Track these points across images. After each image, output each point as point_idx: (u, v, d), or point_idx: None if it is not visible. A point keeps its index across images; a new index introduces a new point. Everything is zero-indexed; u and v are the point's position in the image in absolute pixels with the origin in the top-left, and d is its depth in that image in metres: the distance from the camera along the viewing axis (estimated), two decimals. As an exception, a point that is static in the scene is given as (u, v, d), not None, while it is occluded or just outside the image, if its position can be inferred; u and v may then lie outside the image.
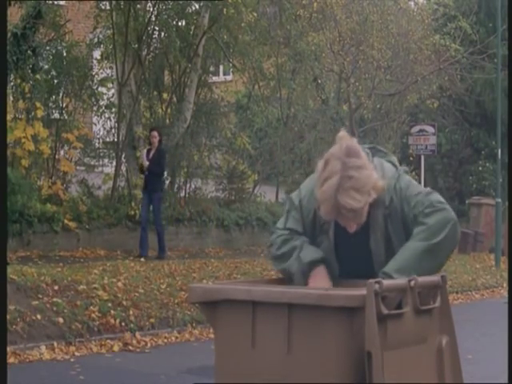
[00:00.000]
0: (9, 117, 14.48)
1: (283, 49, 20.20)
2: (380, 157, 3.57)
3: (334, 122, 22.87)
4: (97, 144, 18.40)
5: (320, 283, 3.40)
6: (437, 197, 3.42)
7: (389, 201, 3.42)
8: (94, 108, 17.93)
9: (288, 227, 3.63)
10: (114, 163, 17.14)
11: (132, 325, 10.00)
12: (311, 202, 3.52)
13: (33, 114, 15.73)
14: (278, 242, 3.64)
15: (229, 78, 24.38)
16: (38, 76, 16.22)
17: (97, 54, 18.82)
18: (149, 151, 15.14)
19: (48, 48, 16.93)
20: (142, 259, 14.16)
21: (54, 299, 9.83)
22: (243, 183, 19.55)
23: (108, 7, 17.53)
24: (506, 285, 16.17)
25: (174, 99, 18.05)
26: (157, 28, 18.01)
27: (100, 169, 18.07)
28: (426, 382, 3.19)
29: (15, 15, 16.23)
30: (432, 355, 3.22)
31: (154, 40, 18.18)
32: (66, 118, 16.80)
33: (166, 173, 17.61)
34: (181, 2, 18.05)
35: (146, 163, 14.89)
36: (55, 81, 16.85)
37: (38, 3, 16.23)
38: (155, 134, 15.22)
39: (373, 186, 3.30)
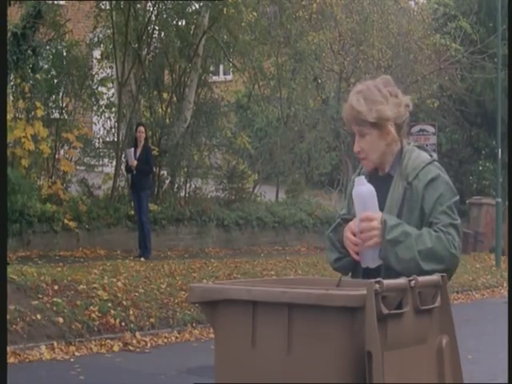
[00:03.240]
0: (9, 116, 14.48)
1: (283, 48, 20.21)
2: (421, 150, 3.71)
3: (334, 121, 22.87)
4: (97, 144, 18.40)
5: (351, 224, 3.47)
6: (455, 237, 3.45)
7: (412, 178, 3.51)
8: (94, 108, 17.94)
9: (339, 214, 3.78)
10: (114, 163, 17.14)
11: (132, 325, 10.00)
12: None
13: (33, 113, 15.74)
14: (326, 240, 3.75)
15: (229, 77, 24.38)
16: (37, 76, 16.24)
17: (97, 53, 18.83)
18: (135, 149, 14.83)
19: (48, 48, 16.94)
20: (142, 259, 14.16)
21: (54, 299, 9.83)
22: (243, 183, 19.55)
23: (108, 7, 17.53)
24: (506, 284, 16.17)
25: (174, 99, 18.04)
26: (157, 28, 18.02)
27: (100, 168, 18.07)
28: (426, 382, 3.18)
29: (15, 15, 16.23)
30: (432, 355, 3.22)
31: (154, 40, 18.18)
32: (66, 117, 16.81)
33: (166, 173, 17.65)
34: (181, 2, 18.05)
35: (135, 162, 14.58)
36: (55, 80, 16.86)
37: (37, 3, 16.24)
38: (142, 129, 14.92)
39: (378, 107, 3.51)
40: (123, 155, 17.13)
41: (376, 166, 3.60)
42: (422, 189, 3.49)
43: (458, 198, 3.55)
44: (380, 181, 3.56)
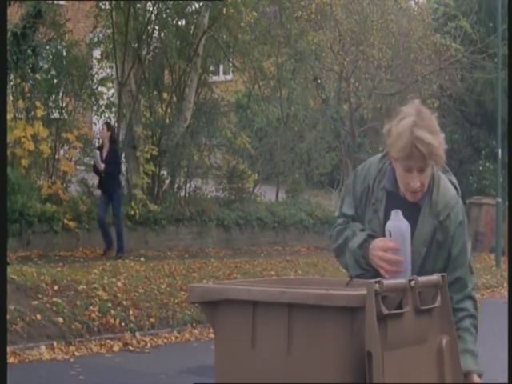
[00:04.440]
0: (9, 116, 14.48)
1: (283, 48, 20.20)
2: (441, 171, 3.60)
3: (334, 121, 22.88)
4: (97, 144, 18.39)
5: (384, 243, 3.41)
6: (472, 283, 3.54)
7: (444, 217, 3.47)
8: (94, 108, 17.93)
9: (342, 212, 3.66)
10: (114, 163, 17.12)
11: (132, 325, 10.00)
12: (366, 179, 3.57)
13: (32, 113, 15.73)
14: (334, 234, 3.66)
15: (229, 77, 24.37)
16: (37, 75, 16.23)
17: (97, 53, 18.82)
18: (101, 150, 14.53)
19: (48, 47, 16.94)
20: (143, 259, 14.15)
21: (54, 299, 9.83)
22: (243, 183, 19.54)
23: (108, 7, 17.52)
24: (506, 285, 16.16)
25: (174, 99, 18.04)
26: (157, 27, 18.01)
27: (100, 168, 18.05)
28: (426, 382, 3.18)
29: (15, 15, 16.23)
30: (432, 355, 3.22)
31: (153, 39, 18.18)
32: (66, 117, 16.80)
33: (166, 173, 17.62)
34: (181, 2, 18.05)
35: (102, 166, 14.27)
36: (55, 80, 16.85)
37: (37, 3, 16.24)
38: (105, 128, 14.59)
39: (441, 138, 3.40)
40: (123, 155, 17.11)
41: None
42: (453, 232, 3.47)
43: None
44: (404, 205, 3.45)
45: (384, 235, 3.45)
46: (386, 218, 3.48)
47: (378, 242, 3.43)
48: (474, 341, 3.49)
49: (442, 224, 3.46)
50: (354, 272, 3.54)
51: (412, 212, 3.45)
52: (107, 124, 14.83)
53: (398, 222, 3.40)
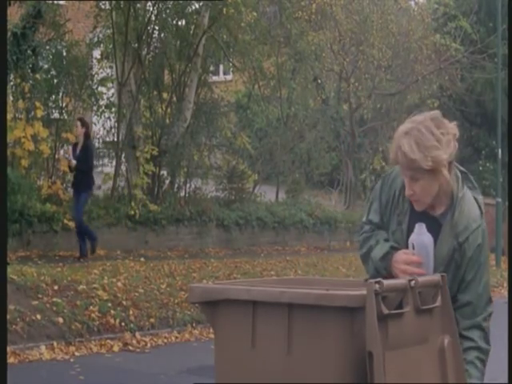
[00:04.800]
0: (9, 116, 14.46)
1: (283, 48, 20.21)
2: (468, 187, 3.54)
3: (334, 121, 22.88)
4: (97, 144, 18.39)
5: (407, 257, 3.40)
6: (486, 312, 3.56)
7: (463, 239, 3.43)
8: (94, 108, 17.92)
9: (369, 219, 3.63)
10: (114, 163, 17.13)
11: (132, 325, 10.00)
12: (392, 187, 3.55)
13: (32, 113, 15.73)
14: (361, 240, 3.63)
15: (229, 77, 24.37)
16: (37, 76, 16.22)
17: (97, 53, 18.82)
18: (75, 146, 14.08)
19: (48, 47, 16.93)
20: (143, 259, 14.15)
21: (54, 299, 9.83)
22: (243, 183, 19.54)
23: (108, 7, 17.52)
24: (506, 285, 16.16)
25: (174, 99, 18.03)
26: (157, 28, 18.01)
27: (100, 168, 18.07)
28: (428, 382, 3.18)
29: (15, 15, 16.22)
30: (434, 355, 3.21)
31: (153, 39, 18.17)
32: (66, 117, 16.79)
33: (166, 173, 17.61)
34: (181, 2, 18.05)
35: (74, 162, 13.79)
36: (55, 80, 16.84)
37: (37, 3, 16.24)
38: (78, 124, 14.05)
39: (434, 154, 3.32)
40: (123, 155, 17.10)
41: (427, 207, 3.45)
42: (470, 255, 3.42)
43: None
44: (426, 219, 3.44)
45: (407, 247, 3.44)
46: (410, 230, 3.46)
47: (401, 255, 3.41)
48: (480, 376, 3.40)
49: (460, 246, 3.41)
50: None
51: (433, 227, 3.43)
52: (81, 120, 14.27)
53: (421, 235, 3.39)
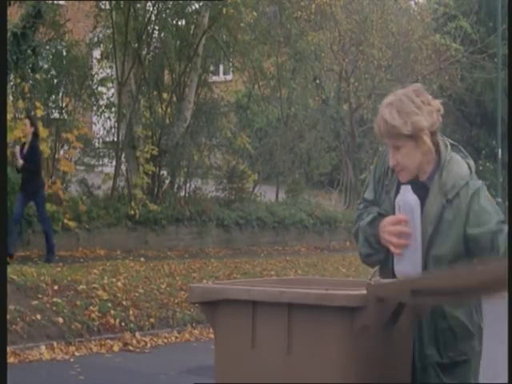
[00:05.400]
0: (9, 116, 14.46)
1: (283, 48, 20.21)
2: (460, 156, 3.63)
3: (334, 121, 22.88)
4: (96, 144, 18.38)
5: (393, 218, 3.43)
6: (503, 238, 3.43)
7: (452, 196, 3.45)
8: (94, 108, 17.92)
9: (364, 197, 3.73)
10: (114, 163, 17.12)
11: (132, 325, 10.00)
12: (385, 163, 3.63)
13: (32, 113, 15.71)
14: (355, 218, 3.72)
15: (229, 77, 24.37)
16: (37, 75, 16.22)
17: (96, 53, 18.82)
18: (23, 146, 13.48)
19: (48, 47, 16.93)
20: (143, 259, 14.15)
21: (54, 299, 9.83)
22: (243, 183, 19.54)
23: (108, 7, 17.51)
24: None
25: (174, 99, 18.03)
26: (157, 27, 18.00)
27: (100, 168, 18.06)
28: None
29: (15, 15, 16.22)
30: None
31: (153, 39, 18.17)
32: (66, 117, 16.78)
33: (166, 173, 17.60)
34: (181, 2, 18.04)
35: (20, 162, 13.18)
36: (55, 80, 16.84)
37: (37, 3, 16.24)
38: (27, 122, 13.48)
39: (413, 119, 3.43)
40: (123, 155, 17.09)
41: (413, 177, 3.51)
42: (466, 209, 3.43)
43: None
44: (414, 187, 3.48)
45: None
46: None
47: (387, 218, 3.47)
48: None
49: (451, 203, 3.44)
50: (365, 251, 3.54)
51: (421, 192, 3.47)
52: (30, 119, 13.69)
53: (406, 195, 3.44)
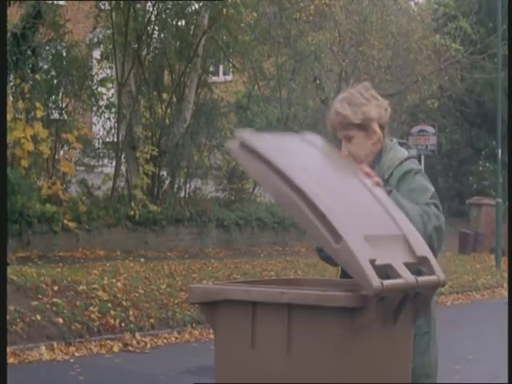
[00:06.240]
0: (8, 117, 14.46)
1: (283, 48, 20.22)
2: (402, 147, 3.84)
3: (333, 121, 22.83)
4: (96, 144, 18.39)
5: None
6: (436, 211, 3.52)
7: (388, 175, 3.62)
8: (94, 108, 17.92)
9: None
10: (114, 163, 17.13)
11: (132, 325, 10.00)
12: None
13: (32, 114, 15.72)
14: None
15: (229, 77, 24.38)
16: (37, 76, 16.21)
17: (96, 53, 18.82)
18: None
19: (47, 48, 16.92)
20: (143, 259, 14.14)
21: (54, 299, 9.83)
22: (243, 183, 19.55)
23: (108, 7, 17.52)
24: (506, 285, 16.15)
25: (174, 99, 18.04)
26: (156, 28, 18.01)
27: (100, 169, 18.07)
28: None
29: (15, 15, 16.21)
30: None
31: (153, 40, 18.18)
32: (66, 118, 16.78)
33: (166, 173, 17.61)
34: (180, 2, 18.05)
35: None
36: (55, 81, 16.84)
37: (37, 3, 16.22)
38: None
39: (362, 109, 3.65)
40: (123, 155, 17.10)
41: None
42: (395, 185, 3.58)
43: (431, 191, 3.57)
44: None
45: None
46: None
47: None
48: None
49: (387, 181, 3.59)
50: (317, 245, 3.62)
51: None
52: None
53: None
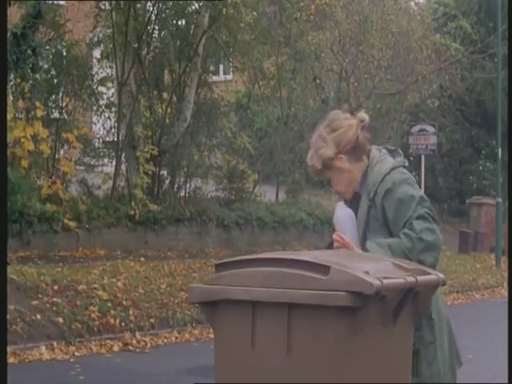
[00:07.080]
0: (8, 116, 14.45)
1: (283, 48, 20.20)
2: (393, 156, 3.78)
3: (333, 121, 22.82)
4: (97, 144, 18.38)
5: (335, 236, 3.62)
6: (423, 225, 3.51)
7: (373, 193, 3.62)
8: (94, 107, 17.91)
9: None
10: (114, 163, 17.12)
11: (132, 325, 10.00)
12: None
13: (32, 113, 15.72)
14: None
15: (229, 77, 24.37)
16: (37, 75, 16.21)
17: (97, 53, 18.81)
18: None
19: (48, 47, 16.91)
20: (143, 259, 14.14)
21: (54, 299, 9.83)
22: (243, 183, 19.54)
23: (108, 6, 17.51)
24: (506, 285, 16.16)
25: (174, 99, 18.03)
26: (157, 27, 18.00)
27: (100, 168, 18.06)
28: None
29: (15, 15, 16.21)
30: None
31: (153, 39, 18.17)
32: (66, 117, 16.78)
33: (166, 172, 17.62)
34: (181, 2, 18.04)
35: None
36: (55, 80, 16.83)
37: (37, 3, 16.21)
38: None
39: (320, 153, 3.70)
40: (123, 155, 17.10)
41: (353, 192, 3.74)
42: (380, 203, 3.58)
43: (418, 198, 3.53)
44: (355, 200, 3.73)
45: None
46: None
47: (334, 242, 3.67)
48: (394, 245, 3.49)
49: (373, 201, 3.61)
50: None
51: (358, 202, 3.70)
52: None
53: (336, 213, 3.77)
